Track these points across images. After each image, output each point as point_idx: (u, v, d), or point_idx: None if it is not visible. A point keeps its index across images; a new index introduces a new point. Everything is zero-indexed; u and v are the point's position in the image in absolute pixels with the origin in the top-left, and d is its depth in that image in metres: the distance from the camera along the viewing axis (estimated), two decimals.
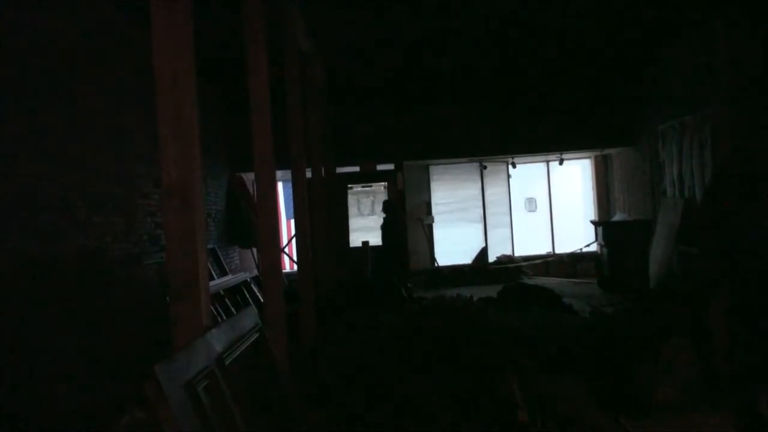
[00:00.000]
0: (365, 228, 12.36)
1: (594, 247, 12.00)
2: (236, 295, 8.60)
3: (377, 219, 11.36)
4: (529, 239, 13.15)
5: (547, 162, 13.21)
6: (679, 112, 9.18)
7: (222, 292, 7.98)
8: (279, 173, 5.62)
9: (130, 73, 6.20)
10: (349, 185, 12.32)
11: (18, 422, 3.93)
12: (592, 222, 11.77)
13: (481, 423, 3.87)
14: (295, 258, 9.20)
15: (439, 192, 13.06)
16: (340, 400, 4.33)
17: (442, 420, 3.91)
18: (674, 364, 4.41)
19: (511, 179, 13.13)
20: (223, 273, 9.06)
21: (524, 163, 13.06)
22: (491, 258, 12.87)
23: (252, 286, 9.16)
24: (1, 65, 4.24)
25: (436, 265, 12.71)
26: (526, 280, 11.73)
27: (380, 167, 12.03)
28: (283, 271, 9.32)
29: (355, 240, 11.53)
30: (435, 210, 12.97)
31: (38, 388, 4.21)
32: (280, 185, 11.35)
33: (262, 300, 6.48)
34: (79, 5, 5.43)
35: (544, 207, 13.34)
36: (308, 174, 7.07)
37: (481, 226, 13.05)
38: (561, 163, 12.92)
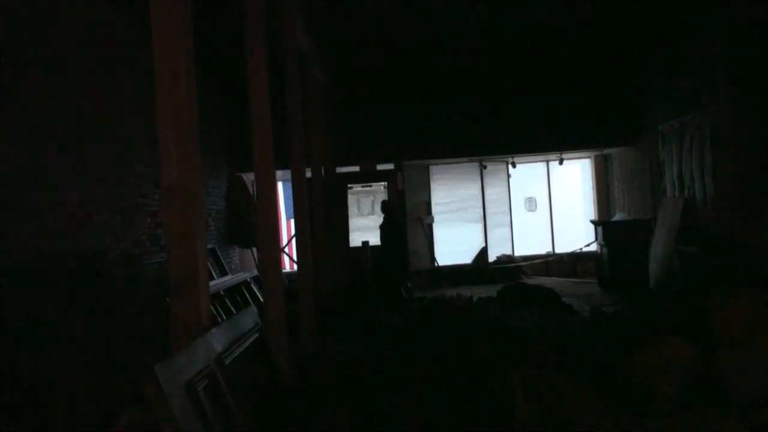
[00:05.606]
0: (365, 228, 12.36)
1: (594, 247, 12.00)
2: (236, 295, 8.60)
3: (377, 219, 11.36)
4: (529, 239, 13.14)
5: (547, 162, 13.21)
6: (679, 111, 9.18)
7: (222, 292, 7.98)
8: (279, 173, 5.62)
9: (130, 73, 6.20)
10: (349, 185, 12.33)
11: (18, 422, 3.93)
12: (592, 222, 11.77)
13: (481, 423, 3.88)
14: (295, 258, 9.20)
15: (439, 192, 13.06)
16: (340, 399, 4.33)
17: (443, 419, 3.91)
18: (674, 363, 4.41)
19: (510, 179, 13.12)
20: (222, 273, 9.06)
21: (524, 162, 13.05)
22: (491, 258, 12.86)
23: (252, 286, 9.16)
24: (0, 66, 4.24)
25: (436, 264, 12.70)
26: (526, 280, 11.73)
27: (380, 167, 12.03)
28: (283, 270, 9.31)
29: (355, 240, 11.54)
30: (435, 210, 12.96)
31: (38, 387, 4.21)
32: (280, 185, 11.35)
33: (262, 300, 6.49)
34: (79, 5, 5.43)
35: (544, 207, 13.33)
36: (308, 174, 7.07)
37: (481, 226, 13.05)
38: (561, 163, 12.91)
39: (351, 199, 12.55)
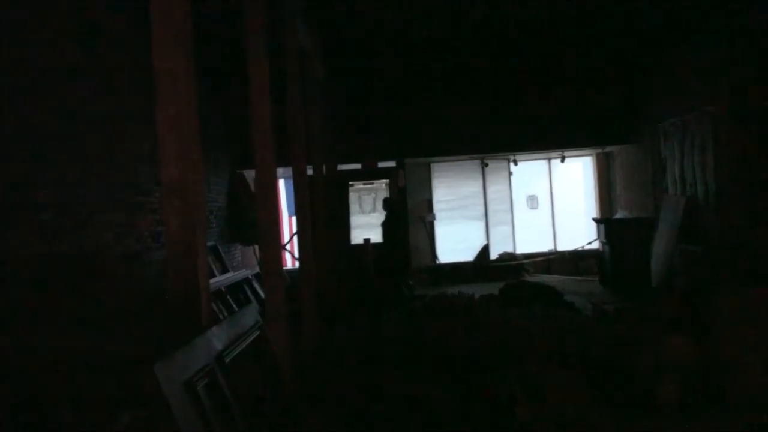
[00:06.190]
0: (367, 225, 12.36)
1: (596, 245, 11.98)
2: (237, 292, 8.60)
3: (378, 216, 11.36)
4: (531, 237, 13.13)
5: (549, 159, 13.19)
6: (681, 109, 9.16)
7: (223, 290, 7.98)
8: (280, 170, 5.62)
9: (130, 72, 6.20)
10: (351, 182, 12.33)
11: (19, 422, 3.94)
12: (594, 219, 11.76)
13: (482, 422, 3.88)
14: (296, 255, 9.20)
15: (440, 189, 13.05)
16: (341, 398, 4.33)
17: (443, 419, 3.91)
18: (674, 363, 4.40)
19: (512, 176, 13.11)
20: (224, 270, 9.06)
21: (526, 160, 13.04)
22: (493, 255, 12.86)
23: (253, 283, 9.17)
24: None
25: (437, 262, 12.70)
26: (528, 278, 11.72)
27: (382, 164, 12.02)
28: (285, 268, 9.30)
29: (357, 237, 11.54)
30: (436, 207, 12.96)
31: (38, 387, 4.22)
32: (281, 182, 11.35)
33: (263, 297, 6.48)
34: (79, 4, 5.42)
35: (545, 204, 13.32)
36: (309, 171, 7.06)
37: (482, 224, 13.04)
38: (563, 161, 12.90)
39: (352, 197, 12.55)
